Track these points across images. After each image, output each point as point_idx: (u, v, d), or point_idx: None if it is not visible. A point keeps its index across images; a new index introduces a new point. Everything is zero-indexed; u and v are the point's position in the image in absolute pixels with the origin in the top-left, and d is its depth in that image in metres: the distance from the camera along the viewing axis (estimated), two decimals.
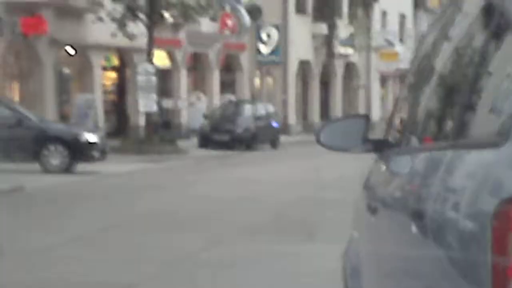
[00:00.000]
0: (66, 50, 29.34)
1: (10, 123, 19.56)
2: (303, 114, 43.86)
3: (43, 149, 19.55)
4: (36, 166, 19.42)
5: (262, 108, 33.64)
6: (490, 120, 2.48)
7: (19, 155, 19.41)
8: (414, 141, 3.21)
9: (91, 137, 20.06)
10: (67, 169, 19.64)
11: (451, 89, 2.95)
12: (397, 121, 3.75)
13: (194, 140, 31.18)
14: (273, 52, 40.78)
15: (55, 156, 19.64)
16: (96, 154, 19.90)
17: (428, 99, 3.18)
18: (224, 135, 30.66)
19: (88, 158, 19.83)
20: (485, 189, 2.21)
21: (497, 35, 2.59)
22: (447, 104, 2.93)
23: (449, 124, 2.85)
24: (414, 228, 2.66)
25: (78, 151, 19.66)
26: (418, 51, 3.66)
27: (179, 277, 8.08)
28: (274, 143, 32.75)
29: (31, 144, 19.40)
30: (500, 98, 2.45)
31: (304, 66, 43.09)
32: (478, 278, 2.18)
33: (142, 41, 27.72)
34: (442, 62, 3.15)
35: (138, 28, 27.43)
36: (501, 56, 2.53)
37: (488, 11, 2.72)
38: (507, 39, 2.49)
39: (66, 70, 30.34)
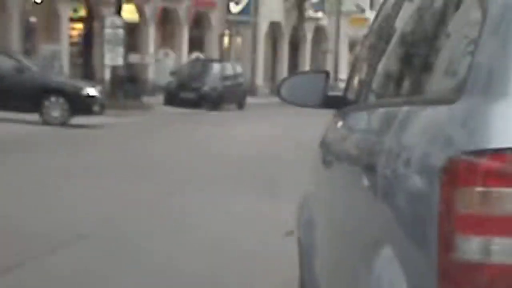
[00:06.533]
0: None
1: (11, 72, 19.27)
2: (271, 75, 43.80)
3: (44, 100, 19.26)
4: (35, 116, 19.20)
5: (230, 68, 33.50)
6: (446, 79, 2.51)
7: (19, 105, 19.14)
8: (372, 98, 3.22)
9: (92, 91, 19.91)
10: (65, 122, 19.45)
11: (410, 48, 2.97)
12: (356, 79, 3.77)
13: (160, 97, 31.02)
14: (243, 11, 40.57)
15: (56, 108, 19.41)
16: (95, 108, 19.78)
17: (387, 57, 3.20)
18: (190, 93, 30.53)
19: (88, 112, 19.69)
20: (436, 145, 2.22)
21: None
22: (406, 63, 2.95)
23: (407, 82, 2.87)
24: (365, 182, 2.69)
25: (79, 104, 19.46)
26: (379, 11, 3.68)
27: (132, 224, 8.16)
28: (240, 104, 32.67)
29: (32, 94, 19.11)
30: (456, 58, 2.47)
31: (274, 27, 42.95)
32: (426, 233, 2.21)
33: None
34: (402, 22, 3.16)
35: None
36: (459, 17, 2.55)
37: None
38: (465, 1, 2.51)
39: (33, 19, 29.96)
